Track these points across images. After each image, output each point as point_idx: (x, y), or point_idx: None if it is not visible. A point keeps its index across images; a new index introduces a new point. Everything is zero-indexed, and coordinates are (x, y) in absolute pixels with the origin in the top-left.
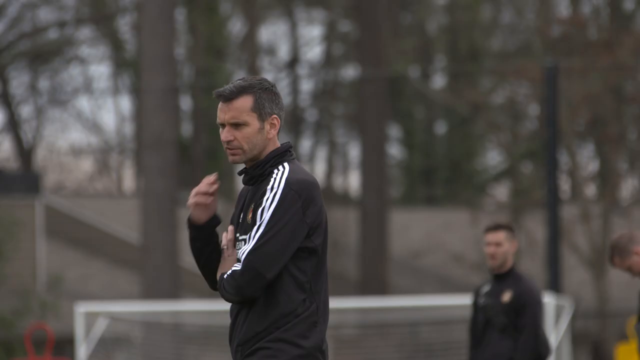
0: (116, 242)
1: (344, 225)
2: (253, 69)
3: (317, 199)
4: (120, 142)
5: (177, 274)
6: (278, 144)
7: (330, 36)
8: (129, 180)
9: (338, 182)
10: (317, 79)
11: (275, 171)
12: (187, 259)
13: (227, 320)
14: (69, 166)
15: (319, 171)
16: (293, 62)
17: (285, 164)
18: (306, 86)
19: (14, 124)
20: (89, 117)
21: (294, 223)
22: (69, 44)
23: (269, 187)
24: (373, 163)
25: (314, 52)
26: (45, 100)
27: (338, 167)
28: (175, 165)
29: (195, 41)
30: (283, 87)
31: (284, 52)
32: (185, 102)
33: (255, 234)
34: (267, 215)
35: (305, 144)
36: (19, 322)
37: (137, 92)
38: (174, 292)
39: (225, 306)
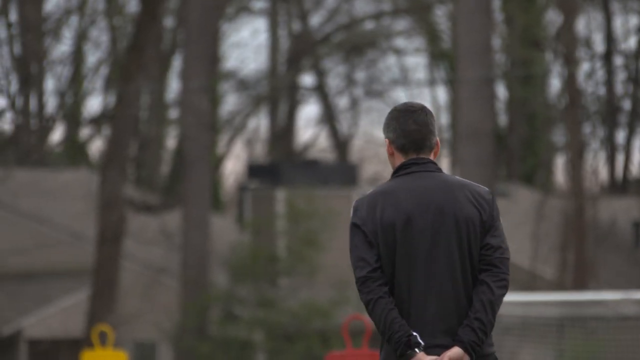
0: None
1: None
2: (569, 60)
3: (360, 211)
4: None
5: None
6: (401, 162)
7: None
8: (445, 171)
9: None
10: (632, 68)
11: None
12: None
13: (545, 311)
14: (385, 157)
15: (634, 161)
16: (609, 53)
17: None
18: (622, 76)
19: (330, 116)
20: None
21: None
22: (385, 35)
23: None
24: None
25: (630, 42)
26: (362, 91)
27: None
28: (491, 156)
29: (511, 31)
30: (599, 77)
31: (599, 42)
32: (501, 93)
33: None
34: None
35: (621, 134)
36: (337, 312)
37: (452, 83)
38: None
39: (543, 297)
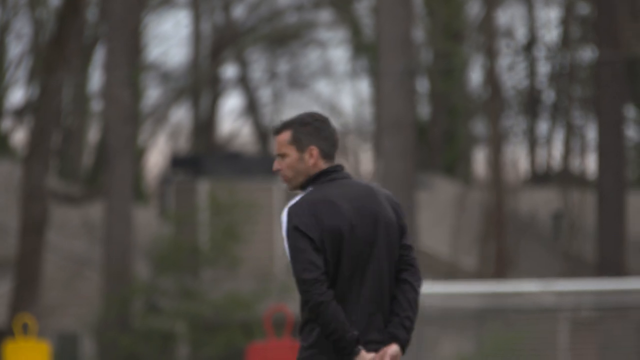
0: None
1: (580, 208)
2: (490, 52)
3: (301, 217)
4: (358, 125)
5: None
6: (321, 169)
7: (568, 18)
8: (367, 162)
9: (575, 164)
10: (554, 61)
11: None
12: (425, 242)
13: (466, 302)
14: None
15: (555, 153)
16: (530, 45)
17: (307, 191)
18: (543, 68)
19: (253, 108)
20: (327, 100)
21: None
22: (307, 27)
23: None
24: (610, 145)
25: (551, 34)
26: (284, 83)
27: (575, 149)
28: (413, 148)
29: (433, 24)
30: (520, 70)
31: (521, 34)
32: (423, 85)
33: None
34: (285, 245)
35: (542, 126)
36: (258, 304)
37: (375, 75)
38: None
39: (463, 288)
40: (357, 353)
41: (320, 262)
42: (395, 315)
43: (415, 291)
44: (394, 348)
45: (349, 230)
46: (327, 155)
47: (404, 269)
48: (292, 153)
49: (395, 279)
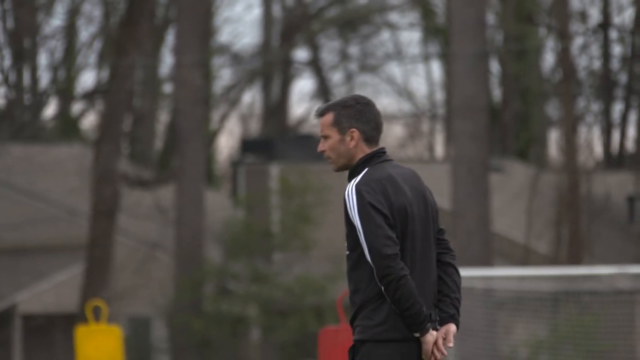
0: None
1: None
2: (564, 34)
3: (373, 194)
4: (431, 107)
5: (488, 239)
6: (367, 151)
7: None
8: (440, 145)
9: None
10: (628, 42)
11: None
12: (498, 226)
13: (540, 286)
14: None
15: (629, 135)
16: (604, 26)
17: (365, 170)
18: (617, 50)
19: (324, 90)
20: (399, 83)
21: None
22: (379, 10)
23: (345, 195)
24: None
25: (625, 15)
26: (356, 66)
27: None
28: (485, 130)
29: (505, 6)
30: (593, 51)
31: (594, 16)
32: (495, 67)
33: (361, 240)
34: (357, 222)
35: (616, 109)
36: (331, 287)
37: (447, 58)
38: (485, 258)
39: (537, 272)
40: (428, 330)
41: (395, 237)
42: (446, 296)
43: (459, 275)
44: (454, 327)
45: (410, 207)
46: (369, 137)
47: (444, 252)
48: (334, 135)
49: (437, 261)
